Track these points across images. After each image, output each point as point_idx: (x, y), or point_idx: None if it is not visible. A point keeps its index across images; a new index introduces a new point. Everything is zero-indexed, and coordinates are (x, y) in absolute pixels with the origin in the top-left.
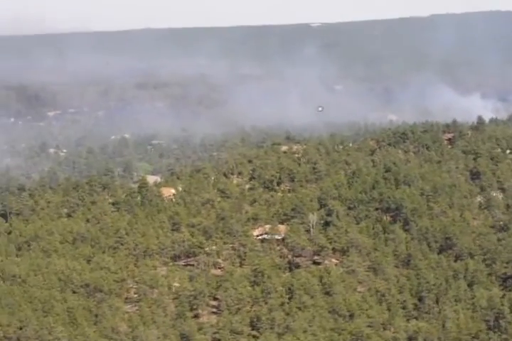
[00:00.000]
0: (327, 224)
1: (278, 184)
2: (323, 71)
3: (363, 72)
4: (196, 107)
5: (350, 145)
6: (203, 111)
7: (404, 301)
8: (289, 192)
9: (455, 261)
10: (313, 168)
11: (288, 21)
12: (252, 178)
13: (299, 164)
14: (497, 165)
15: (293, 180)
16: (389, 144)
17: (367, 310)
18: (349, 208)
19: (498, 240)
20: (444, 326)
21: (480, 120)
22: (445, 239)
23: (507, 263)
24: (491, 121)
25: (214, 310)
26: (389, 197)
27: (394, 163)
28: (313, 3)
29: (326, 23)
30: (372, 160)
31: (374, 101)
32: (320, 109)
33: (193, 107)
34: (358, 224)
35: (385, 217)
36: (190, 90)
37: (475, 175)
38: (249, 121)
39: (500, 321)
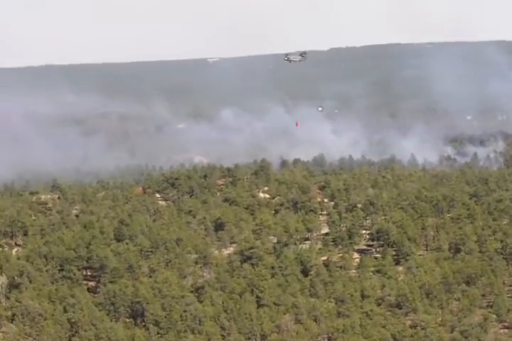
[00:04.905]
0: (17, 286)
1: (12, 237)
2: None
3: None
4: None
5: (118, 192)
6: None
7: None
8: (21, 246)
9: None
10: (50, 220)
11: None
12: None
13: (44, 215)
14: (253, 215)
15: (26, 234)
16: (157, 191)
17: None
18: (54, 267)
19: (187, 304)
20: None
21: (263, 162)
22: (136, 303)
23: (184, 332)
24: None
25: None
26: (97, 256)
27: (129, 215)
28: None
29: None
30: (114, 212)
31: (188, 142)
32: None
33: None
34: (51, 286)
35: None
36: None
37: (219, 227)
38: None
39: None
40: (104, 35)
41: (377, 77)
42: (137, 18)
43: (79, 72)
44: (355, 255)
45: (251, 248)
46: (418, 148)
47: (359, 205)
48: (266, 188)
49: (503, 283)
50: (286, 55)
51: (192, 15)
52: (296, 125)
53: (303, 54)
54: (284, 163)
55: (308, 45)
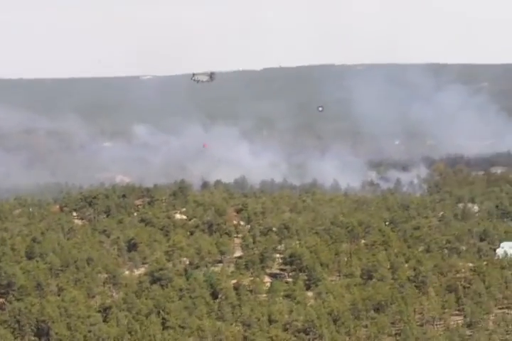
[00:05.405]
0: None
1: None
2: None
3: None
4: None
5: (31, 210)
6: None
7: None
8: None
9: None
10: None
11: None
12: None
13: None
14: (167, 236)
15: None
16: (74, 209)
17: None
18: None
19: (92, 325)
20: None
21: (182, 183)
22: (42, 322)
23: None
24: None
25: None
26: (5, 273)
27: (42, 233)
28: None
29: None
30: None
31: (110, 160)
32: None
33: None
34: None
35: None
36: None
37: (132, 247)
38: None
39: None
40: (37, 50)
41: (305, 97)
42: (74, 34)
43: (9, 87)
44: (267, 279)
45: (161, 269)
46: (341, 172)
47: (274, 229)
48: (184, 209)
49: (414, 311)
50: (194, 74)
51: (128, 33)
52: (204, 146)
53: (212, 74)
54: (205, 184)
55: (242, 64)
